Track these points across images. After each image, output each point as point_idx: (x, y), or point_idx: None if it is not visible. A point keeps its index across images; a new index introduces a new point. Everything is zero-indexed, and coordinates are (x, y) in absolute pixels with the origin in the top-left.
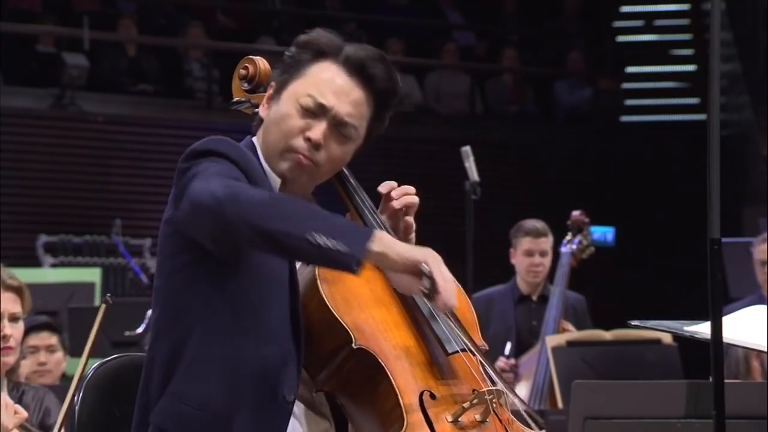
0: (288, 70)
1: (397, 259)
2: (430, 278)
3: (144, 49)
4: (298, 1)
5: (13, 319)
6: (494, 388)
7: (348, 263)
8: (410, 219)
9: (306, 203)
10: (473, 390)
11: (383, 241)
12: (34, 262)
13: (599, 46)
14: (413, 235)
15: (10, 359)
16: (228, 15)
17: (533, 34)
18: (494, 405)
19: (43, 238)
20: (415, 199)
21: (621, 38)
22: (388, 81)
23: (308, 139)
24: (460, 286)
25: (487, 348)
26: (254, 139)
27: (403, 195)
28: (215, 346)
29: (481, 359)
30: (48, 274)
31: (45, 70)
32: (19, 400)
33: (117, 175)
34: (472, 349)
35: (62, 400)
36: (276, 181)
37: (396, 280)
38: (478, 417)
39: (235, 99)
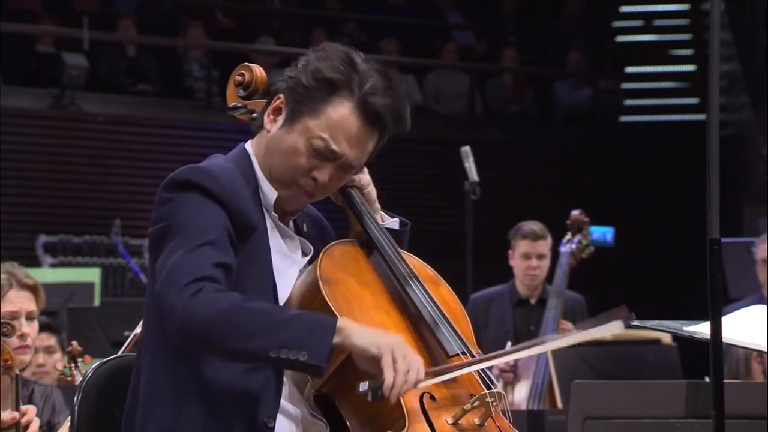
0: (302, 101)
1: (356, 352)
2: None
3: (144, 50)
4: (298, 1)
5: (30, 317)
6: (495, 390)
7: (312, 371)
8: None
9: (267, 308)
10: (471, 394)
11: (344, 333)
12: (34, 262)
13: (599, 46)
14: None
15: (26, 357)
16: (228, 15)
17: (533, 34)
18: (494, 408)
19: (42, 238)
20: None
21: (621, 38)
22: (401, 128)
23: (314, 179)
24: (456, 297)
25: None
26: (248, 145)
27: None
28: (202, 372)
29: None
30: (47, 274)
31: (45, 70)
32: (28, 399)
33: (117, 175)
34: (472, 352)
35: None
36: (272, 193)
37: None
38: (477, 420)
39: (231, 105)
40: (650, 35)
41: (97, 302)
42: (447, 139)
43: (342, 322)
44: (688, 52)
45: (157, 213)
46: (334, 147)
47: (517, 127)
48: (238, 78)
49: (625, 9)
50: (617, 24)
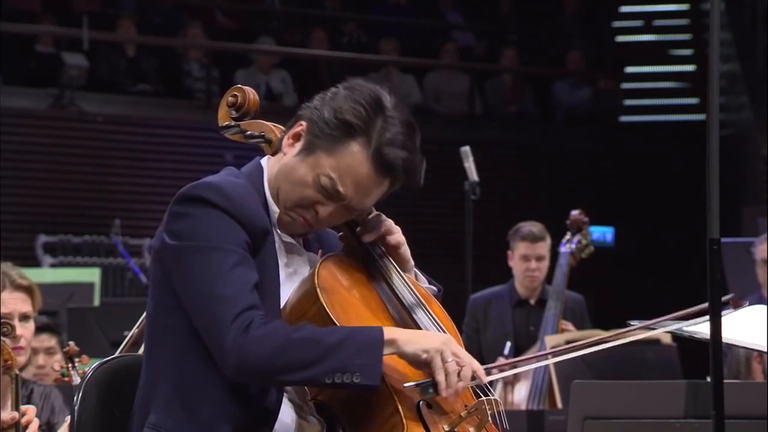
0: (320, 135)
1: (408, 361)
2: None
3: (143, 49)
4: (298, 1)
5: (24, 318)
6: (492, 398)
7: (367, 390)
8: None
9: (315, 336)
10: (465, 405)
11: (395, 344)
12: (34, 262)
13: (599, 46)
14: (405, 247)
15: (21, 359)
16: (227, 15)
17: (532, 34)
18: (489, 416)
19: (42, 238)
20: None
21: (620, 38)
22: (413, 183)
23: (316, 212)
24: (447, 315)
25: None
26: (264, 161)
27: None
28: (200, 382)
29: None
30: (47, 274)
31: (44, 70)
32: (27, 399)
33: (116, 175)
34: None
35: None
36: (276, 210)
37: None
38: (472, 429)
39: (224, 124)
40: (650, 35)
41: (96, 302)
42: (447, 139)
43: (389, 333)
44: (688, 52)
45: (172, 226)
46: (340, 188)
47: (516, 127)
48: (231, 99)
49: (624, 9)
50: (617, 24)
